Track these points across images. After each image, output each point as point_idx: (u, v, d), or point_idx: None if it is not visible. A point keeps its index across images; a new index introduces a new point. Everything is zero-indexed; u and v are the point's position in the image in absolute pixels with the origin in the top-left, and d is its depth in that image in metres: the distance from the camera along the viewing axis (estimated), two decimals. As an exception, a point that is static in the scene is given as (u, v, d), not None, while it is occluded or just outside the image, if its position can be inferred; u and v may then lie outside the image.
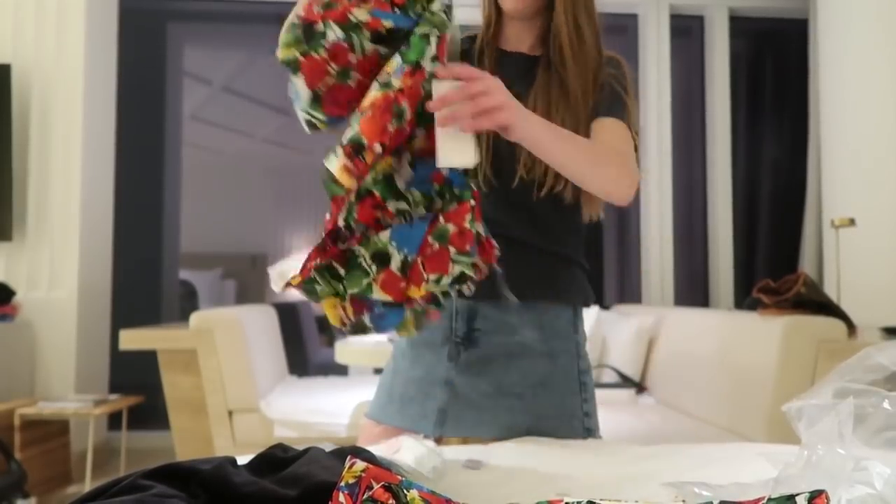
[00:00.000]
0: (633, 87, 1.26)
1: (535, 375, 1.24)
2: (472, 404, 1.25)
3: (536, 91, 1.23)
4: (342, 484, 0.62)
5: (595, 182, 1.13)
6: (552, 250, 1.28)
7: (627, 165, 1.17)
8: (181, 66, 4.76)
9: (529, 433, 1.22)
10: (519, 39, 1.31)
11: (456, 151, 0.98)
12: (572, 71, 1.21)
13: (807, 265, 4.17)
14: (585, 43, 1.22)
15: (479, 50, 1.32)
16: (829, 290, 3.23)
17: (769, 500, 0.61)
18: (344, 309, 1.03)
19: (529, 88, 1.23)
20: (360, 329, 1.06)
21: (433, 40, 0.96)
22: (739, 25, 4.52)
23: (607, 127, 1.20)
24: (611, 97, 1.23)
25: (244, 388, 2.96)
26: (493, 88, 0.96)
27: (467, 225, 1.02)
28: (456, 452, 1.06)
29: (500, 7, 1.29)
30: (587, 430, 1.28)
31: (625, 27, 4.54)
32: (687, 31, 4.58)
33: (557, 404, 1.25)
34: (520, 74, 1.24)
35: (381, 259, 1.01)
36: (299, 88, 0.98)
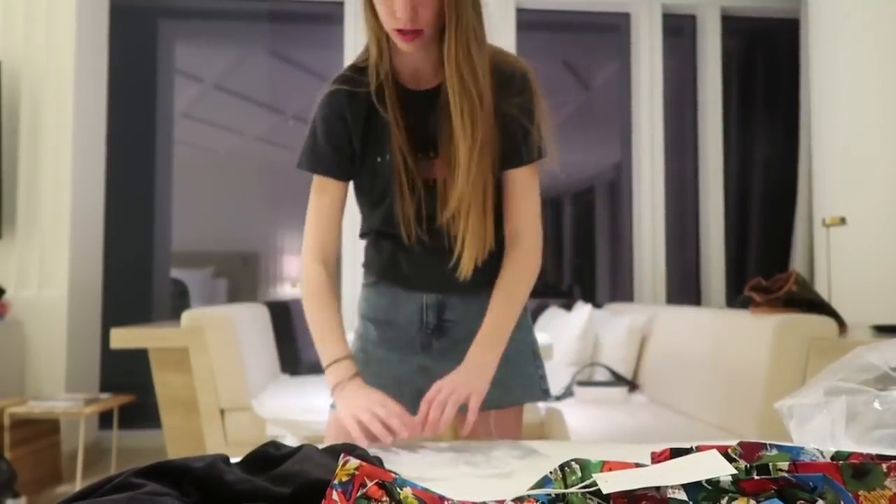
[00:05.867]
0: (538, 103, 1.28)
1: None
2: None
3: (439, 124, 1.25)
4: (336, 482, 0.62)
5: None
6: (498, 250, 1.35)
7: (528, 259, 1.31)
8: (172, 63, 4.74)
9: (500, 402, 1.36)
10: (415, 72, 1.29)
11: None
12: (466, 103, 1.20)
13: (798, 263, 4.19)
14: (477, 75, 1.20)
15: (377, 90, 1.28)
16: (820, 289, 3.24)
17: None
18: None
19: (433, 121, 1.26)
20: None
21: None
22: (731, 25, 4.53)
23: (516, 181, 1.29)
24: (517, 139, 1.27)
25: (236, 386, 2.96)
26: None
27: None
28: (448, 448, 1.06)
29: (391, 41, 1.25)
30: (544, 391, 1.44)
31: (617, 26, 4.54)
32: (679, 31, 4.59)
33: (519, 374, 1.39)
34: (424, 111, 1.27)
35: None
36: None
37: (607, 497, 0.61)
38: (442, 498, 0.66)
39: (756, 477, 0.59)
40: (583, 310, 3.72)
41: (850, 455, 0.67)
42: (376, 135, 1.29)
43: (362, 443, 1.15)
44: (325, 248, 1.34)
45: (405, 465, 1.00)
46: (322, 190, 1.33)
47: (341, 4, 4.23)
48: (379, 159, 1.29)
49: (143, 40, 4.44)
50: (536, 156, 1.29)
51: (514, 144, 1.28)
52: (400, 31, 1.18)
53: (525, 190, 1.30)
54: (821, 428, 0.78)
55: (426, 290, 1.36)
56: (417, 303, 1.38)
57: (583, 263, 7.19)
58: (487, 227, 1.27)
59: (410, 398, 1.36)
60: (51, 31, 3.65)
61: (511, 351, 1.35)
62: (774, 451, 0.69)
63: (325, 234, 1.34)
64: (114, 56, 4.10)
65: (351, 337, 1.47)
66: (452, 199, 1.24)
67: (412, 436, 1.15)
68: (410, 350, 1.39)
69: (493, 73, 1.24)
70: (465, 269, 1.27)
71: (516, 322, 1.37)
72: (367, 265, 1.45)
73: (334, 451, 0.82)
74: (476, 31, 1.20)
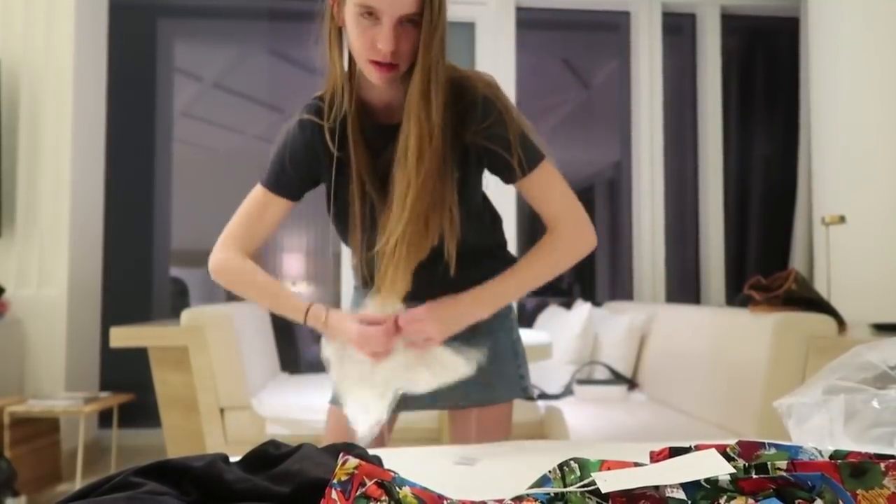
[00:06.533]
0: (507, 118, 1.28)
1: (480, 351, 1.38)
2: None
3: (396, 159, 1.25)
4: (335, 481, 0.62)
5: (566, 268, 1.37)
6: (482, 253, 1.39)
7: (574, 238, 1.34)
8: (172, 62, 4.73)
9: (481, 400, 1.40)
10: (386, 103, 1.30)
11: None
12: (415, 140, 1.21)
13: (797, 262, 4.19)
14: (431, 116, 1.21)
15: (342, 123, 1.29)
16: (820, 287, 3.25)
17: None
18: None
19: (394, 155, 1.27)
20: None
21: None
22: (731, 23, 4.53)
23: (526, 190, 1.33)
24: (500, 162, 1.29)
25: (236, 385, 2.96)
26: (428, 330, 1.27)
27: None
28: (450, 450, 1.06)
29: (359, 72, 1.26)
30: (523, 389, 1.46)
31: (616, 24, 4.54)
32: (678, 29, 4.59)
33: (499, 372, 1.42)
34: (391, 143, 1.27)
35: None
36: None
37: (606, 496, 0.61)
38: (441, 497, 0.66)
39: (754, 476, 0.59)
40: (582, 308, 3.72)
41: (848, 454, 0.67)
42: (343, 170, 1.31)
43: (378, 346, 1.28)
44: (246, 251, 1.38)
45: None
46: (270, 204, 1.36)
47: (341, 3, 4.22)
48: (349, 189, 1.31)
49: (143, 39, 4.44)
50: (527, 167, 1.29)
51: (498, 167, 1.31)
52: (376, 62, 1.18)
53: (539, 193, 1.33)
54: (819, 427, 0.78)
55: (407, 300, 1.38)
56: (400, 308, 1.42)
57: (582, 262, 7.18)
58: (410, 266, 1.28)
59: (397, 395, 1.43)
60: (50, 29, 3.64)
61: (492, 350, 1.39)
62: (773, 451, 0.69)
63: (250, 243, 1.38)
64: (113, 55, 4.10)
65: None
66: (386, 231, 1.24)
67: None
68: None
69: (455, 103, 1.24)
70: (389, 297, 1.30)
71: (504, 316, 1.43)
72: (354, 268, 1.49)
73: (334, 451, 0.82)
74: (439, 71, 1.21)
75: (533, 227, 6.70)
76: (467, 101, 1.26)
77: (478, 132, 1.26)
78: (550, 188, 1.33)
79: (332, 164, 1.31)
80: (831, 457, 0.67)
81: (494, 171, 1.34)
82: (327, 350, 1.35)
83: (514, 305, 1.49)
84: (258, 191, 1.38)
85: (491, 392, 1.41)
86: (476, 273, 1.34)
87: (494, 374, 1.40)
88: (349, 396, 1.34)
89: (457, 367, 1.30)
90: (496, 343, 1.41)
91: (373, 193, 1.29)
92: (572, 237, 1.34)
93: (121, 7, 4.13)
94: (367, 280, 1.38)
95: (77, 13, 3.68)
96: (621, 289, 4.78)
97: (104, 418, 3.79)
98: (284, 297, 1.36)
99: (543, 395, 3.31)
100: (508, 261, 1.44)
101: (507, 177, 1.32)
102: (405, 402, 1.42)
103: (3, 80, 3.55)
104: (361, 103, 1.30)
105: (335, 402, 1.46)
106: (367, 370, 1.31)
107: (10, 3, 3.61)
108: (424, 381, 1.31)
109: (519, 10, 4.29)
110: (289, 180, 1.36)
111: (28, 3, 3.63)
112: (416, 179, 1.21)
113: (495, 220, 1.46)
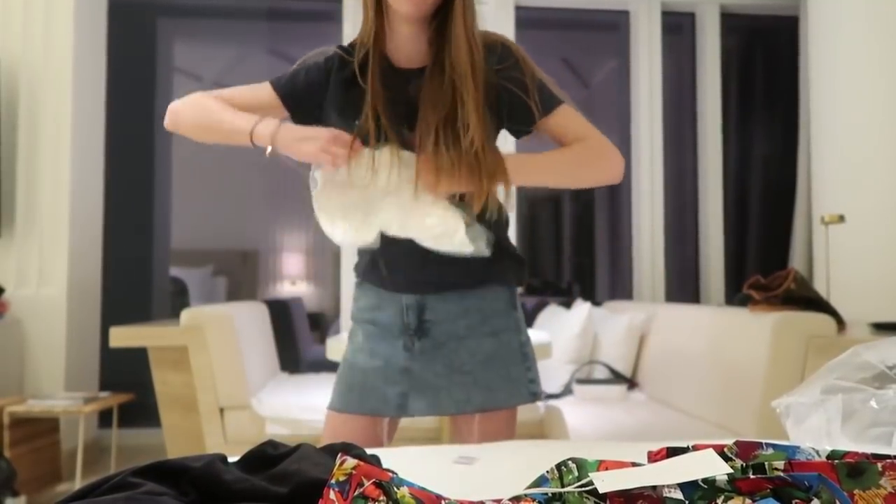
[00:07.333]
0: (529, 64, 1.33)
1: (482, 353, 1.36)
2: (429, 385, 1.37)
3: (430, 102, 1.27)
4: (333, 481, 0.62)
5: (587, 183, 1.34)
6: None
7: (604, 150, 1.33)
8: (171, 61, 4.73)
9: (484, 405, 1.35)
10: (408, 48, 1.33)
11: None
12: (468, 79, 1.25)
13: (797, 261, 4.19)
14: (478, 48, 1.27)
15: (362, 63, 1.32)
16: (819, 286, 3.25)
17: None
18: None
19: (415, 95, 1.29)
20: None
21: None
22: (730, 22, 4.53)
23: (557, 120, 1.33)
24: (517, 102, 1.31)
25: (235, 385, 2.96)
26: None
27: None
28: (449, 450, 1.06)
29: (385, 13, 1.30)
30: (533, 394, 1.40)
31: (616, 24, 4.54)
32: (678, 28, 4.59)
33: (504, 375, 1.37)
34: (407, 86, 1.31)
35: None
36: None
37: (604, 496, 0.61)
38: (439, 497, 0.66)
39: (752, 476, 0.59)
40: (582, 308, 3.72)
41: (845, 454, 0.67)
42: (355, 105, 1.31)
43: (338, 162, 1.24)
44: None
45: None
46: (263, 90, 1.38)
47: (340, 2, 4.23)
48: (356, 123, 1.31)
49: (142, 38, 4.44)
50: (543, 109, 1.32)
51: (514, 110, 1.32)
52: None
53: (562, 125, 1.34)
54: (817, 426, 0.78)
55: (404, 291, 1.37)
56: (398, 304, 1.38)
57: (582, 261, 7.19)
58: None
59: (395, 398, 1.38)
60: (49, 29, 3.64)
61: (496, 352, 1.36)
62: (770, 451, 0.69)
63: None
64: (113, 54, 4.10)
65: (344, 337, 1.49)
66: (467, 138, 1.24)
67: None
68: (394, 351, 1.39)
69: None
70: (479, 203, 1.26)
71: (509, 315, 1.39)
72: (355, 267, 1.49)
73: (332, 451, 0.82)
74: (474, 8, 1.28)
75: (532, 226, 6.69)
76: (488, 45, 1.31)
77: (495, 72, 1.30)
78: (574, 121, 1.35)
79: (342, 99, 1.33)
80: (828, 457, 0.67)
81: (510, 118, 1.33)
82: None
83: (519, 305, 1.45)
84: (262, 83, 1.40)
85: (493, 397, 1.36)
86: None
87: (497, 377, 1.36)
88: (326, 212, 1.27)
89: (455, 236, 1.26)
90: (500, 345, 1.38)
91: (388, 129, 1.29)
92: (603, 147, 1.34)
93: (120, 7, 4.13)
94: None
95: (76, 13, 3.68)
96: (621, 288, 4.79)
97: (104, 418, 3.79)
98: (234, 117, 1.29)
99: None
100: (512, 254, 1.43)
101: (524, 119, 1.32)
102: (405, 408, 1.39)
103: (3, 80, 3.55)
104: (383, 55, 1.33)
105: (333, 407, 1.44)
106: (354, 190, 1.26)
107: (10, 3, 3.61)
108: (414, 227, 1.26)
109: (518, 9, 4.29)
110: (293, 86, 1.38)
111: (27, 2, 3.63)
112: (478, 103, 1.24)
113: (501, 212, 1.44)
